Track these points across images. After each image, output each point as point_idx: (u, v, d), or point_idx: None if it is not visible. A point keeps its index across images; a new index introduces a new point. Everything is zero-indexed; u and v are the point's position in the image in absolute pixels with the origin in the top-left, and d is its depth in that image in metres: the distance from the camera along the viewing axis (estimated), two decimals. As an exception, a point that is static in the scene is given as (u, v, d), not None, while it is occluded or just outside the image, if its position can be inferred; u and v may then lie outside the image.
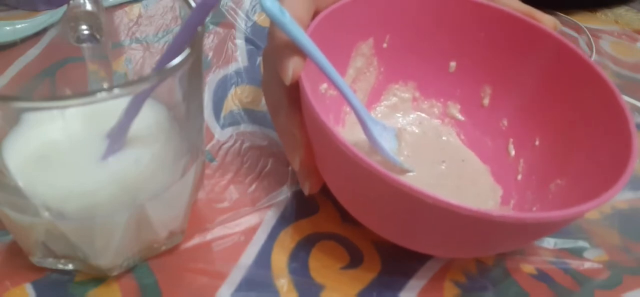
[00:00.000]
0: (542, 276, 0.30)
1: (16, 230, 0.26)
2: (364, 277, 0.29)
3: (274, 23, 0.26)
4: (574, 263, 0.31)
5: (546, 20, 0.34)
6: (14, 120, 0.26)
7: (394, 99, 0.38)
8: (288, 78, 0.27)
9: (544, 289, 0.30)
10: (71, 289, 0.27)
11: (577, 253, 0.32)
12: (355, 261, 0.30)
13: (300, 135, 0.29)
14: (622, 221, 0.34)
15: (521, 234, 0.26)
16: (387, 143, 0.33)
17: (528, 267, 0.31)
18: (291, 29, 0.26)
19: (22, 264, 0.28)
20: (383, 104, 0.38)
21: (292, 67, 0.27)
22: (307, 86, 0.26)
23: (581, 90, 0.32)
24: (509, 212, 0.32)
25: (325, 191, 0.34)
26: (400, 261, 0.30)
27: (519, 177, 0.34)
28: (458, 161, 0.36)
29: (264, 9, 0.26)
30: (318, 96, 0.26)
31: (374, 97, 0.37)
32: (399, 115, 0.38)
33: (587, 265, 0.31)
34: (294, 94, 0.29)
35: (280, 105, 0.30)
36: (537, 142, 0.34)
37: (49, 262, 0.27)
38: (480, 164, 0.36)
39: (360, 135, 0.33)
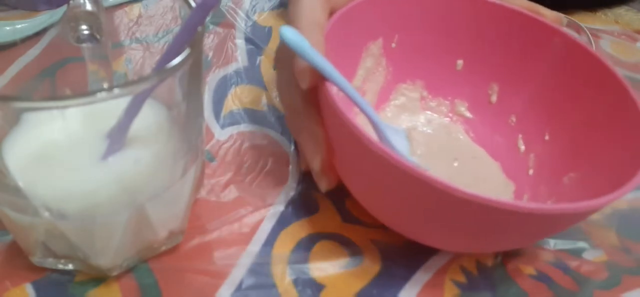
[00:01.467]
0: (541, 277, 0.30)
1: (16, 230, 0.26)
2: (364, 277, 0.29)
3: (295, 52, 0.27)
4: (573, 264, 0.31)
5: (550, 16, 0.35)
6: (14, 120, 0.26)
7: (403, 99, 0.38)
8: (306, 83, 0.28)
9: (543, 289, 0.30)
10: (71, 289, 0.27)
11: (576, 254, 0.32)
12: (355, 261, 0.30)
13: (321, 133, 0.30)
14: (622, 221, 0.34)
15: (551, 225, 0.26)
16: (399, 145, 0.34)
17: (527, 268, 0.31)
18: (312, 56, 0.27)
19: (22, 264, 0.28)
20: (392, 104, 0.38)
21: (309, 76, 0.28)
22: (330, 87, 0.27)
23: (590, 85, 0.32)
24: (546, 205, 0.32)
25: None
26: (400, 261, 0.30)
27: (531, 171, 0.34)
28: (469, 158, 0.37)
29: (284, 41, 0.26)
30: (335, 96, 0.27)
31: (383, 96, 0.38)
32: (407, 114, 0.38)
33: (586, 265, 0.31)
34: (311, 96, 0.30)
35: (298, 106, 0.31)
36: (547, 137, 0.34)
37: (49, 262, 0.27)
38: (491, 161, 0.36)
39: (372, 135, 0.33)
